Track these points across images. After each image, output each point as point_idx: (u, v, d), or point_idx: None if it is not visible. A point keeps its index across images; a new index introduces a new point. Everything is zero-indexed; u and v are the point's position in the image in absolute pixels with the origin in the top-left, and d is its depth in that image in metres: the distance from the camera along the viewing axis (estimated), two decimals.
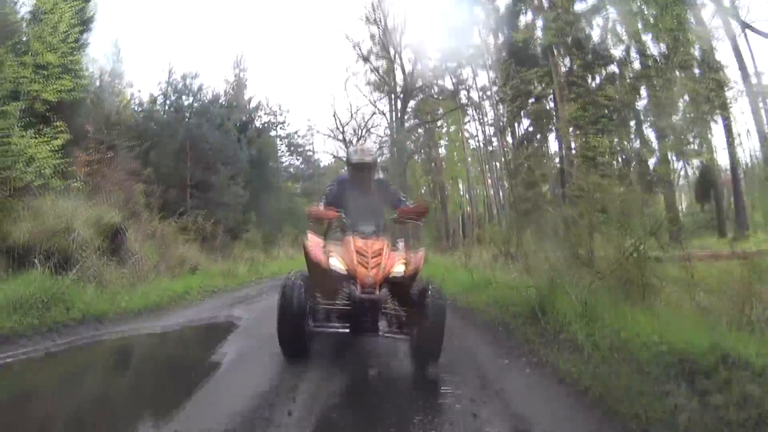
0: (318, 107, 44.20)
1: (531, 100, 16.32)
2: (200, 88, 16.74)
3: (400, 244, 3.92)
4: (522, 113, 16.70)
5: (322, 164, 26.63)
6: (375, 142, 22.90)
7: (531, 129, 16.36)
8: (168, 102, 16.48)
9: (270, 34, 39.92)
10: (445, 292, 3.79)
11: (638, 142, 14.01)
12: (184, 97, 16.59)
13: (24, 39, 6.96)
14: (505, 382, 2.94)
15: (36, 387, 2.89)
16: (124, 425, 2.30)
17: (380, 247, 3.45)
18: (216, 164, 15.49)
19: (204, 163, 15.38)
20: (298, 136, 25.30)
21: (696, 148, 13.67)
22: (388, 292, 3.36)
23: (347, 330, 3.36)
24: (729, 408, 2.09)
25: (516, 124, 17.34)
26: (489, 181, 21.89)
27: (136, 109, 15.98)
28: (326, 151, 24.99)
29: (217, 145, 15.67)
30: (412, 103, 22.74)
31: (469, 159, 23.81)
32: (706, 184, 14.14)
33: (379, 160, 4.91)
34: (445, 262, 10.82)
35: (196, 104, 16.36)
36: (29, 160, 6.21)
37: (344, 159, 21.45)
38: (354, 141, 22.76)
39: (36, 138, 6.26)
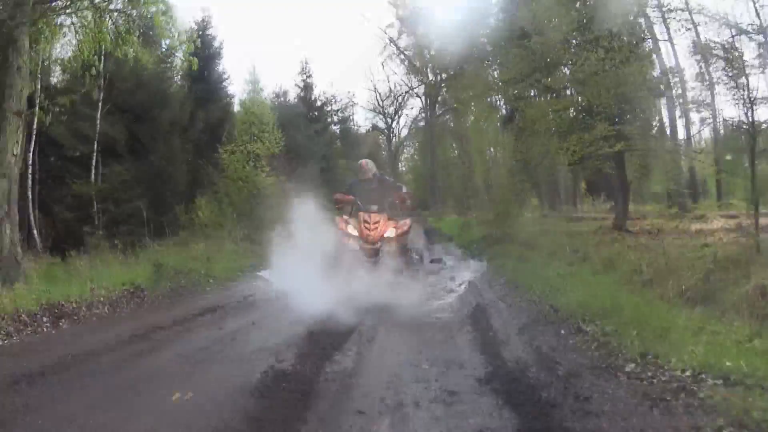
0: (355, 78, 48.41)
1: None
2: (291, 105, 24.91)
3: (407, 219, 7.00)
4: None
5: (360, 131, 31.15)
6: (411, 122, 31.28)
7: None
8: None
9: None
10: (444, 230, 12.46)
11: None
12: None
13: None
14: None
15: None
16: None
17: (378, 218, 6.45)
18: (306, 162, 24.22)
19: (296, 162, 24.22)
20: (353, 125, 31.83)
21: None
22: (384, 245, 6.39)
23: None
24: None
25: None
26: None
27: None
28: (365, 125, 31.08)
29: (307, 149, 24.31)
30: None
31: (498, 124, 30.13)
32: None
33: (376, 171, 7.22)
34: (456, 219, 19.42)
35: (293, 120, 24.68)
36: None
37: (383, 129, 30.96)
38: (392, 112, 30.91)
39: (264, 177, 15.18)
